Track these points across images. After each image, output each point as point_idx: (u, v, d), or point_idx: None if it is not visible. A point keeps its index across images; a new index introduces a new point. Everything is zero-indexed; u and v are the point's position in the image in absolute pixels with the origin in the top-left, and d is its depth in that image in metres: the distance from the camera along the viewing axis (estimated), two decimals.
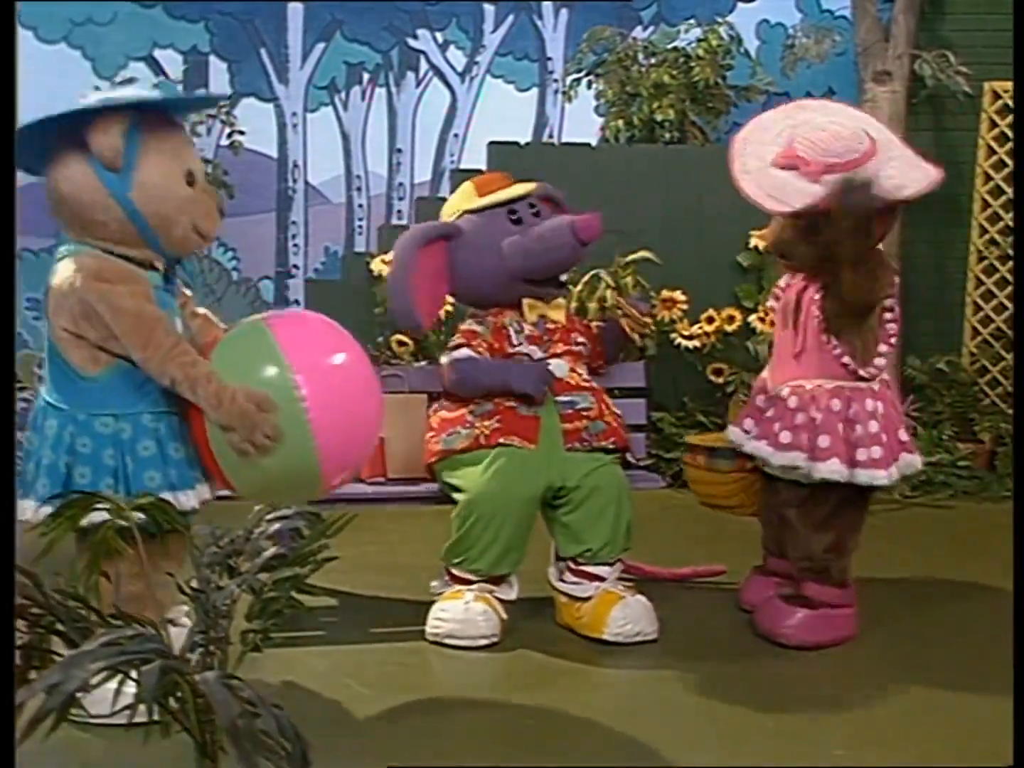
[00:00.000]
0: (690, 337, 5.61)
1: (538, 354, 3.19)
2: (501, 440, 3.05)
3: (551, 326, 3.25)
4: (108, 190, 2.37)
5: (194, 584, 1.81)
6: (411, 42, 6.71)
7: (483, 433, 3.07)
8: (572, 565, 3.09)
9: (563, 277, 3.29)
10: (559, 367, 3.16)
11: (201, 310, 2.74)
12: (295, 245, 6.78)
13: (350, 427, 2.37)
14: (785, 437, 2.96)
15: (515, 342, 3.20)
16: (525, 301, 3.22)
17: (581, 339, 3.32)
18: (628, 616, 2.97)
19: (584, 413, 3.14)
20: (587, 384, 3.22)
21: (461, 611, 2.92)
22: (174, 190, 2.39)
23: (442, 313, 5.41)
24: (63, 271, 2.41)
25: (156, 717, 1.55)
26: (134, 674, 1.52)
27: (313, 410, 2.27)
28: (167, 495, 2.28)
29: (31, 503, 2.37)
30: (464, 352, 3.16)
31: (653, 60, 6.09)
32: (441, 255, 3.24)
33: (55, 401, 2.40)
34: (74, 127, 2.35)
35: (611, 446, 3.17)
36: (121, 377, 2.38)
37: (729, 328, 5.65)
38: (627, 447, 3.27)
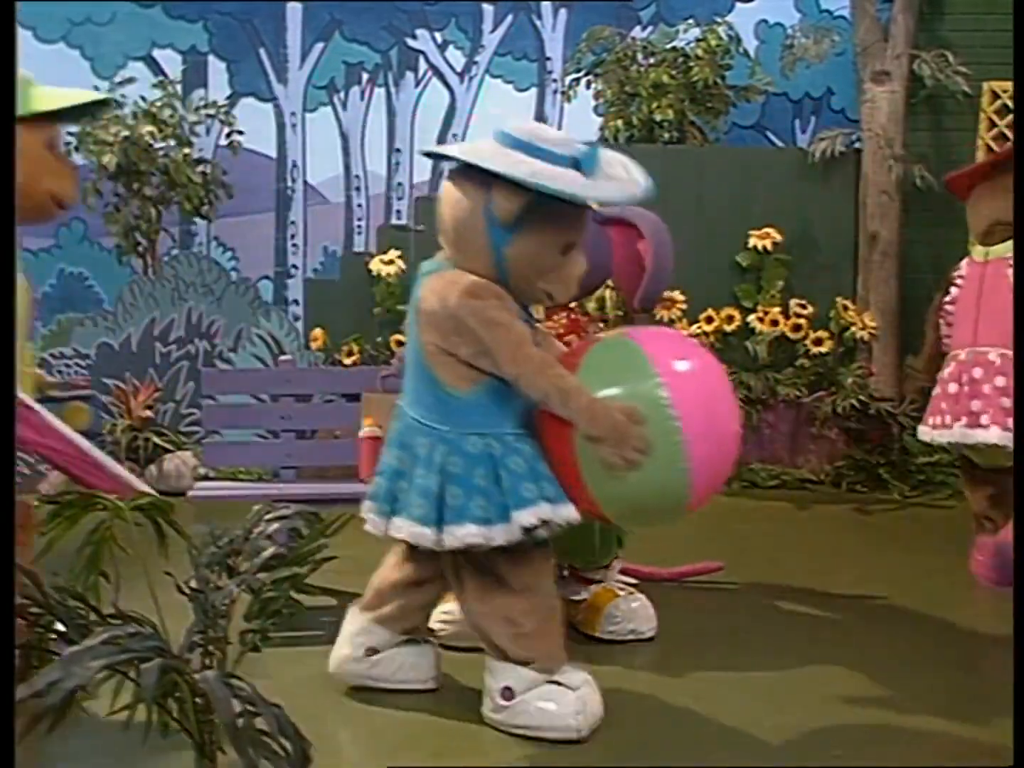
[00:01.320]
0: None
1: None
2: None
3: (537, 325, 3.18)
4: (489, 238, 2.33)
5: (193, 584, 1.81)
6: (410, 42, 6.71)
7: None
8: (569, 569, 3.09)
9: None
10: None
11: (541, 327, 2.75)
12: (294, 245, 6.78)
13: (718, 441, 2.30)
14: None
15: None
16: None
17: (570, 342, 3.23)
18: (623, 614, 2.97)
19: None
20: None
21: (460, 612, 2.91)
22: (546, 261, 2.35)
23: None
24: (433, 288, 2.37)
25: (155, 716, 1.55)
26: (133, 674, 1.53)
27: (685, 423, 2.22)
28: (546, 508, 2.26)
29: (403, 521, 2.32)
30: None
31: (652, 60, 6.10)
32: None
33: (423, 419, 2.36)
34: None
35: None
36: (489, 395, 2.33)
37: (728, 328, 5.66)
38: None
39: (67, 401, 2.90)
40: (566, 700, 2.31)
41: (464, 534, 2.26)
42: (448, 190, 2.40)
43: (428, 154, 2.73)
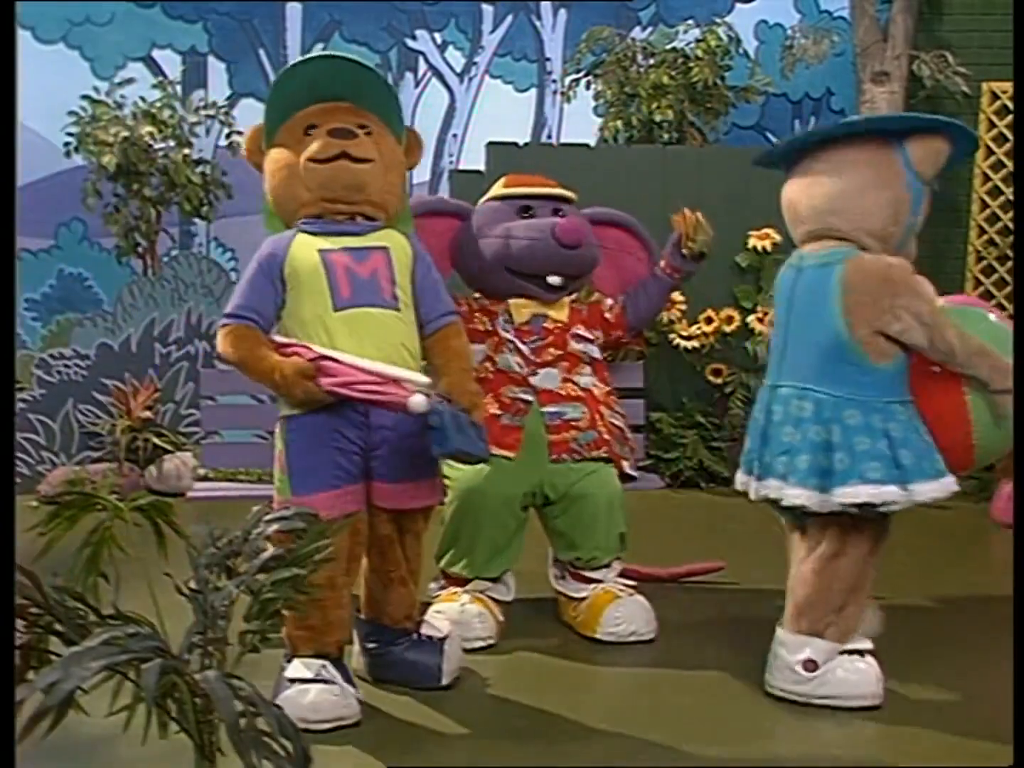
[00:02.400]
0: (688, 337, 5.62)
1: (524, 348, 3.14)
2: None
3: (549, 325, 3.17)
4: (908, 203, 2.61)
5: (192, 584, 1.81)
6: (410, 43, 6.71)
7: None
8: (570, 568, 3.09)
9: (554, 280, 3.14)
10: (548, 377, 3.12)
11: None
12: None
13: None
14: None
15: (502, 326, 3.16)
16: (511, 302, 3.19)
17: (584, 334, 3.21)
18: (623, 616, 2.96)
19: (574, 423, 3.07)
20: (581, 393, 3.14)
21: (457, 613, 2.91)
22: None
23: None
24: (860, 273, 2.53)
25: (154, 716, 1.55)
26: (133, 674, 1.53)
27: None
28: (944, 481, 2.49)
29: (867, 487, 2.45)
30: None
31: (652, 61, 6.10)
32: (449, 232, 3.25)
33: (851, 395, 2.51)
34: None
35: (603, 455, 3.11)
36: (901, 366, 2.54)
37: (727, 328, 5.66)
38: (619, 463, 3.16)
39: None
40: (864, 668, 2.50)
41: (927, 490, 2.47)
42: (842, 167, 2.56)
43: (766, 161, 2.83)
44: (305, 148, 2.56)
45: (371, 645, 2.65)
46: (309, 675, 2.37)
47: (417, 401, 2.37)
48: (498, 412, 3.05)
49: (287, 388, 2.43)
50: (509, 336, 3.14)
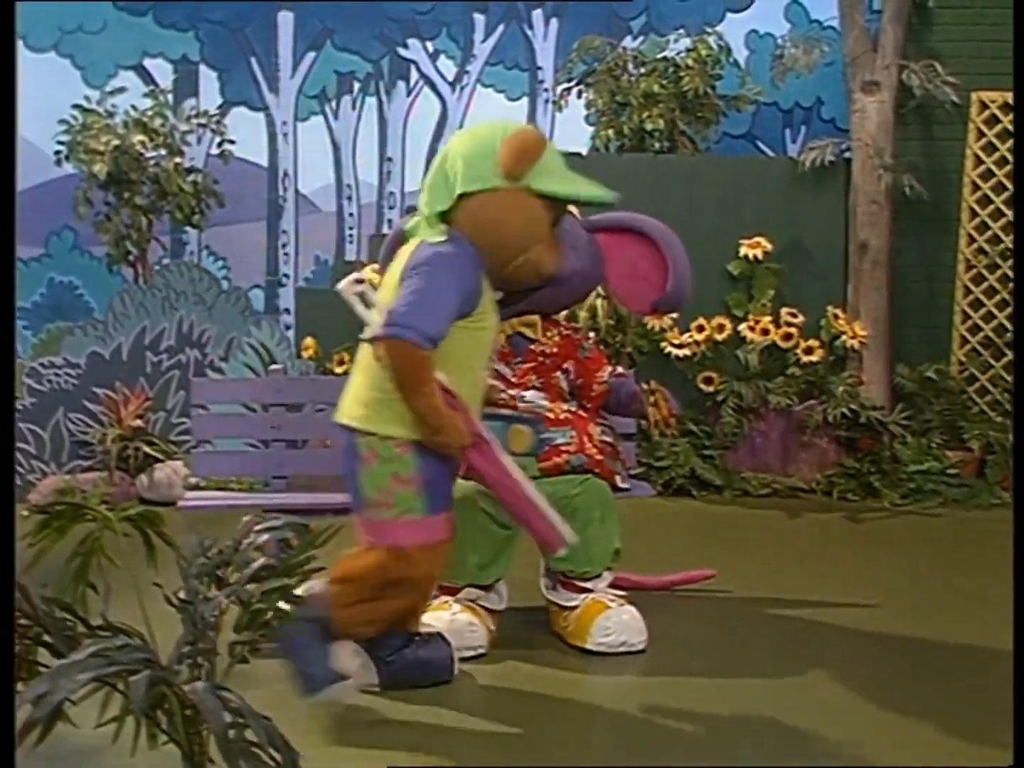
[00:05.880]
0: (680, 346, 5.63)
1: (507, 371, 3.09)
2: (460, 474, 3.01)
3: (534, 348, 3.11)
4: None
5: (182, 595, 1.80)
6: (402, 51, 6.73)
7: None
8: (561, 577, 3.08)
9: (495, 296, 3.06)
10: (535, 400, 3.04)
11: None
12: (285, 254, 6.78)
13: None
14: None
15: None
16: None
17: (567, 367, 3.14)
18: (612, 626, 2.95)
19: (563, 448, 3.03)
20: (568, 416, 3.08)
21: (447, 622, 2.90)
22: None
23: None
24: None
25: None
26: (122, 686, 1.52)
27: None
28: None
29: None
30: None
31: (643, 70, 6.12)
32: None
33: None
34: None
35: (596, 470, 3.07)
36: None
37: (719, 337, 5.67)
38: (612, 479, 3.12)
39: (511, 422, 2.97)
40: None
41: None
42: None
43: None
44: None
45: (382, 654, 2.64)
46: None
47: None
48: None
49: (441, 442, 2.50)
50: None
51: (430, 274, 2.46)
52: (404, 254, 2.61)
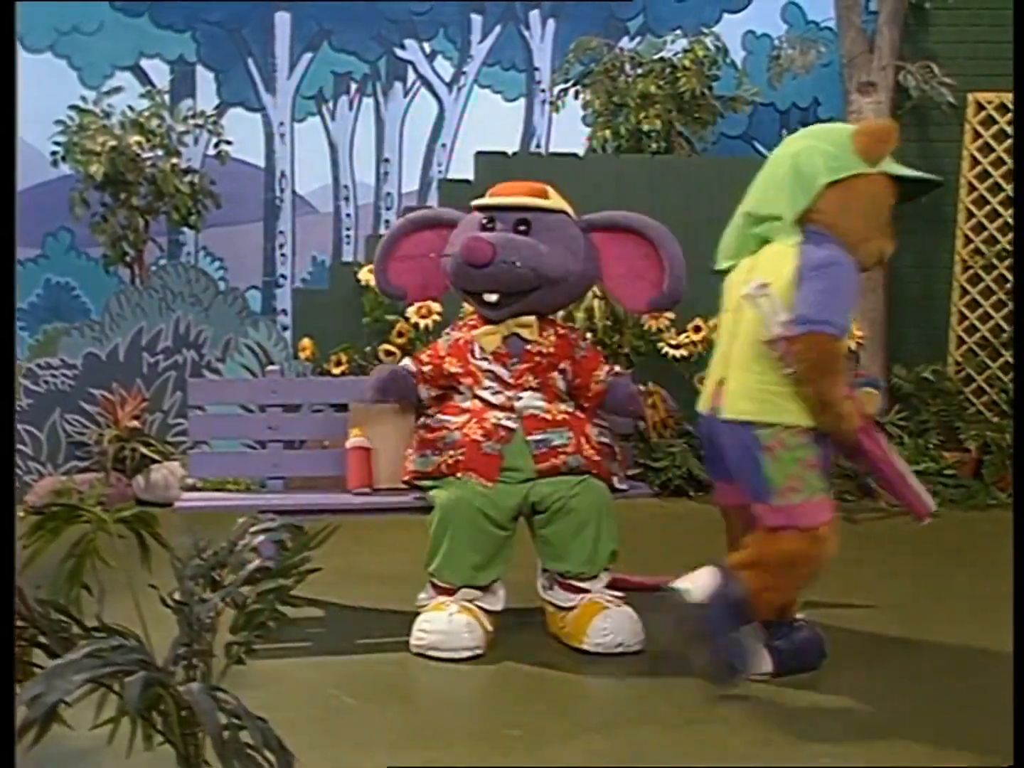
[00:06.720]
0: (677, 346, 5.63)
1: (504, 373, 3.12)
2: (459, 474, 3.03)
3: (531, 348, 3.14)
4: None
5: (177, 596, 1.80)
6: (399, 52, 6.72)
7: (446, 462, 3.06)
8: (558, 578, 3.08)
9: (489, 298, 3.10)
10: (532, 401, 3.08)
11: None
12: (282, 255, 6.77)
13: None
14: None
15: (477, 356, 3.15)
16: (474, 333, 3.17)
17: (564, 366, 3.17)
18: (609, 627, 2.95)
19: (560, 450, 3.05)
20: (565, 417, 3.11)
21: (445, 623, 2.90)
22: None
23: (429, 323, 5.43)
24: None
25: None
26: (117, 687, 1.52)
27: None
28: None
29: None
30: (393, 365, 3.30)
31: (639, 70, 6.12)
32: (441, 240, 3.26)
33: None
34: None
35: (593, 471, 3.10)
36: None
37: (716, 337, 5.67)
38: (609, 479, 3.15)
39: (859, 387, 3.06)
40: None
41: None
42: None
43: None
44: None
45: (770, 642, 2.74)
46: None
47: None
48: (479, 439, 3.04)
49: (845, 427, 2.64)
50: (486, 366, 3.13)
51: (828, 274, 2.65)
52: (764, 260, 2.79)
